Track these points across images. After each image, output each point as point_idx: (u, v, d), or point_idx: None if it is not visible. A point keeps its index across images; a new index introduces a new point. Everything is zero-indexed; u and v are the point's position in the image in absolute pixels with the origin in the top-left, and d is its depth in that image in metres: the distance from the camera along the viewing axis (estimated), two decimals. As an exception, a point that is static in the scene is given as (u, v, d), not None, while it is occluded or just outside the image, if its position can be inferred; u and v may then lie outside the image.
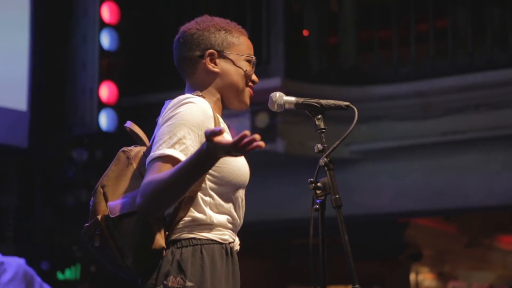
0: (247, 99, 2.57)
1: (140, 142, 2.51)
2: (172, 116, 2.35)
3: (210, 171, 2.34)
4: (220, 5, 8.00)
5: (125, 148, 2.47)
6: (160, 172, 2.25)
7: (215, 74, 2.52)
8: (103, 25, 6.89)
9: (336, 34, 8.02)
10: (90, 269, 6.74)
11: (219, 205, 2.41)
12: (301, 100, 2.57)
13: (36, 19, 6.60)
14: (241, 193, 2.49)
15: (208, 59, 2.52)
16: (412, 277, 10.13)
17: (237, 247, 2.51)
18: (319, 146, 2.49)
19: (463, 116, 7.07)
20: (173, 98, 2.45)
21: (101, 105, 6.76)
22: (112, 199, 2.38)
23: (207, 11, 7.98)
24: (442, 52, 7.42)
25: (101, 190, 2.40)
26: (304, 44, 7.92)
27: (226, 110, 2.61)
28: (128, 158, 2.43)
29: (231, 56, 2.53)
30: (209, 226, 2.39)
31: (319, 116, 2.54)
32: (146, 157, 2.37)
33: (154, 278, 2.34)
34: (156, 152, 2.30)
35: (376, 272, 9.57)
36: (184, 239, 2.36)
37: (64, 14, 6.99)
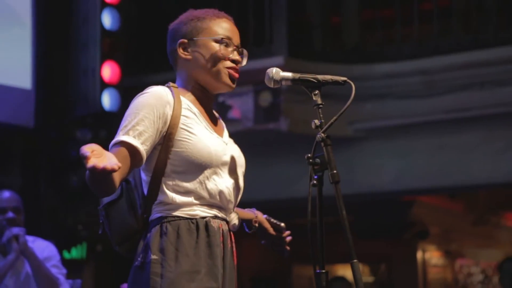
0: (226, 79, 2.60)
1: None
2: (129, 108, 2.50)
3: (170, 155, 2.47)
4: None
5: None
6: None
7: (188, 61, 2.60)
8: (104, 5, 6.87)
9: (339, 14, 7.98)
10: (96, 248, 6.79)
11: (182, 186, 2.48)
12: (297, 75, 2.56)
13: (38, 0, 6.59)
14: (213, 172, 2.51)
15: (180, 48, 2.60)
16: (419, 255, 10.10)
17: (234, 221, 2.60)
18: (316, 121, 2.47)
19: (467, 93, 7.04)
20: (174, 77, 2.59)
21: (104, 85, 6.76)
22: None
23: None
24: (446, 30, 7.38)
25: None
26: (306, 23, 7.88)
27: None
28: None
29: (200, 42, 2.59)
30: (174, 205, 2.49)
31: (316, 92, 2.53)
32: None
33: (134, 257, 2.50)
34: (114, 139, 2.44)
35: (382, 251, 9.57)
36: (155, 219, 2.50)
37: (65, -5, 6.99)
